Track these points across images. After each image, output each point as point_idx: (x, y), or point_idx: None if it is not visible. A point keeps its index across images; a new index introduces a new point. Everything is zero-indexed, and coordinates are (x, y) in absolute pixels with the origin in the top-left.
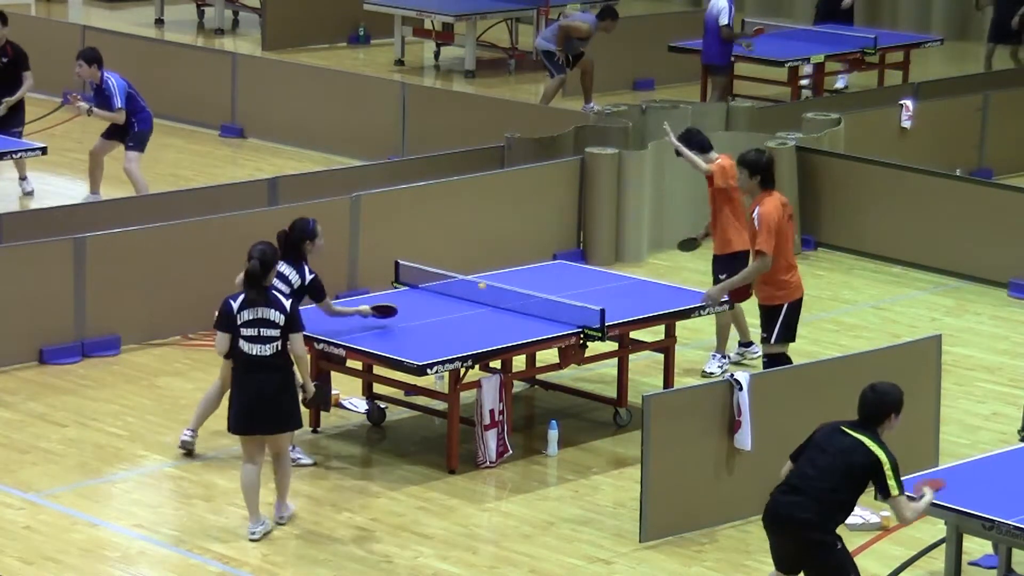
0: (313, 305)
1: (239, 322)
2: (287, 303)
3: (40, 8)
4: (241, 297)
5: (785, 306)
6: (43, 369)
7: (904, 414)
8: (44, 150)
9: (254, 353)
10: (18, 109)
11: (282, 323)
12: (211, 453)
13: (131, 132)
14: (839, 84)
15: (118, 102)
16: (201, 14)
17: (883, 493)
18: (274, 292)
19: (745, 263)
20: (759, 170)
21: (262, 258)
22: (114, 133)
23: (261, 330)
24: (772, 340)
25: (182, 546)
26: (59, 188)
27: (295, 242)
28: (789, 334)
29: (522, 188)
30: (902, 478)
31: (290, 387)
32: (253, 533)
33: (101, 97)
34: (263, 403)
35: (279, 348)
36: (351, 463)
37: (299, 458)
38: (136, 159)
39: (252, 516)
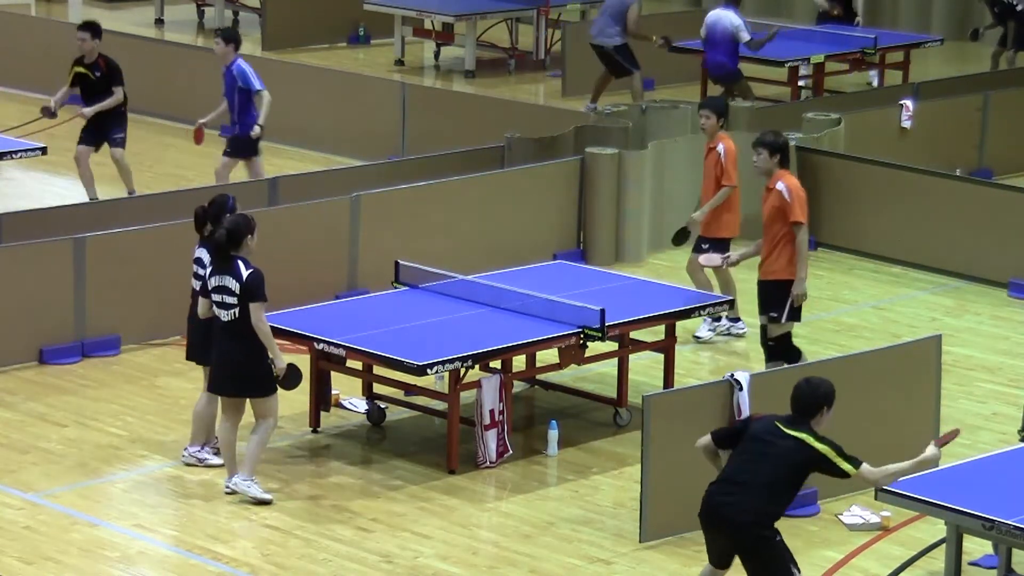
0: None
1: (209, 287)
2: (245, 273)
3: (40, 8)
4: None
5: (781, 292)
6: (43, 369)
7: (904, 414)
8: (44, 150)
9: (221, 319)
10: (113, 117)
11: (239, 291)
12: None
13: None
14: (874, 82)
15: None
16: (201, 14)
17: (844, 477)
18: (237, 261)
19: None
20: (778, 149)
21: (230, 227)
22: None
23: (224, 297)
24: (783, 319)
25: (182, 546)
26: (59, 188)
27: (212, 220)
28: (795, 313)
29: (522, 188)
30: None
31: (254, 355)
32: (226, 488)
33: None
34: (225, 366)
35: (236, 316)
36: (351, 463)
37: (206, 458)
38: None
39: (227, 471)
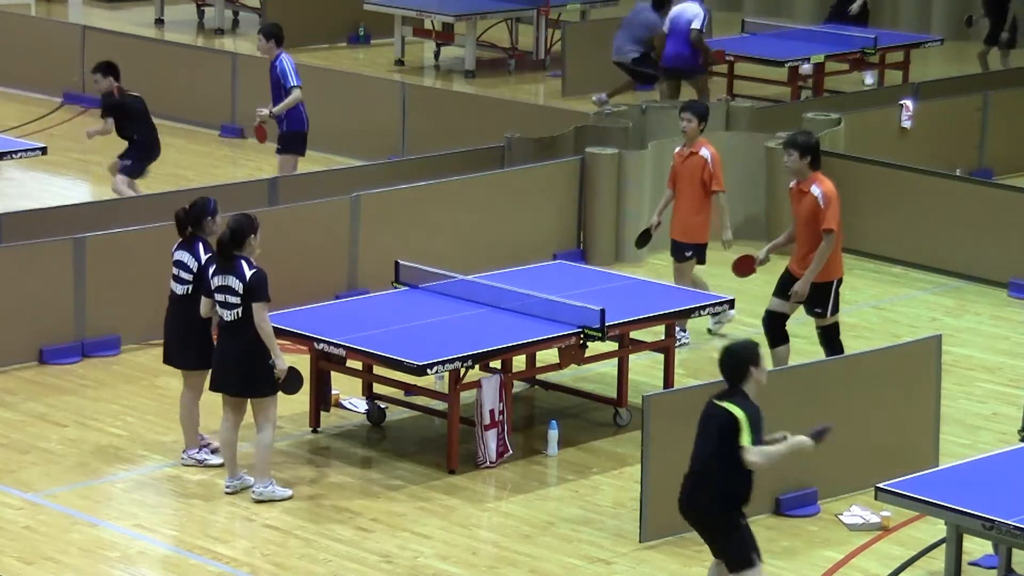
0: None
1: (212, 287)
2: (248, 272)
3: (40, 8)
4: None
5: (835, 281)
6: (43, 369)
7: (904, 414)
8: (44, 150)
9: (224, 318)
10: (127, 146)
11: (242, 291)
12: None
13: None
14: (868, 81)
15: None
16: (201, 14)
17: (739, 448)
18: (240, 261)
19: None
20: (810, 150)
21: (234, 226)
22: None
23: (227, 296)
24: (829, 313)
25: (182, 546)
26: (59, 188)
27: (194, 221)
28: (837, 306)
29: (522, 188)
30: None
31: (256, 355)
32: (226, 488)
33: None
34: (227, 365)
35: (239, 315)
36: (351, 463)
37: (206, 459)
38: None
39: (227, 471)
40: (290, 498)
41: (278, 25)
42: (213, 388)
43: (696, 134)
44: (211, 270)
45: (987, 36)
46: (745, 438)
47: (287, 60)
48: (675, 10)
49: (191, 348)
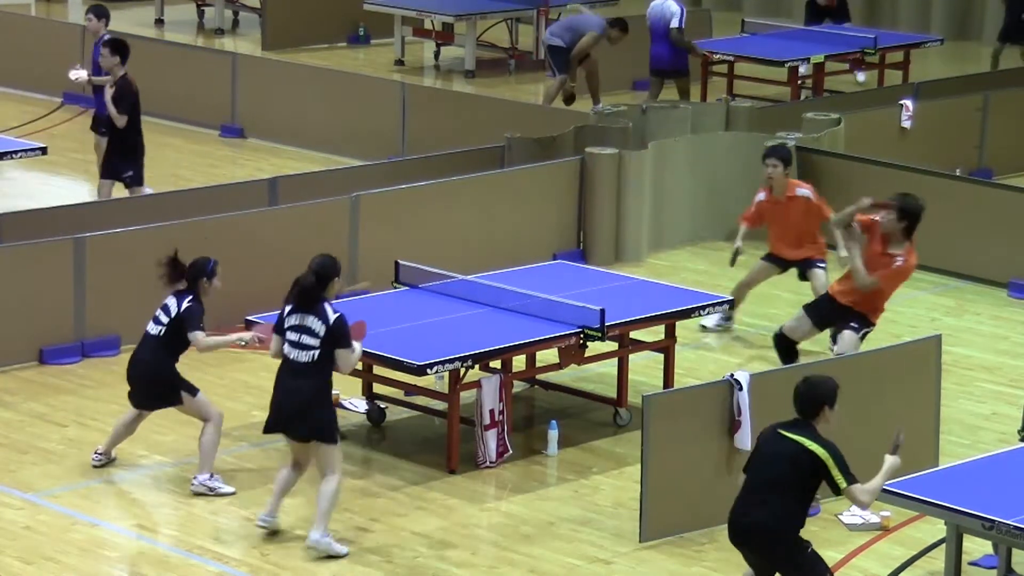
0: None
1: (285, 325)
2: (332, 316)
3: (40, 8)
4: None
5: (868, 319)
6: (43, 369)
7: (904, 414)
8: (44, 150)
9: (298, 359)
10: (121, 152)
11: (323, 334)
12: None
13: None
14: (860, 79)
15: None
16: (201, 14)
17: (833, 489)
18: (324, 304)
19: None
20: (908, 216)
21: (318, 270)
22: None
23: (303, 337)
24: (860, 331)
25: (182, 546)
26: (59, 188)
27: (191, 278)
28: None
29: (522, 188)
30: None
31: (326, 398)
32: (260, 522)
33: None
34: (295, 406)
35: (315, 358)
36: (351, 463)
37: (217, 487)
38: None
39: (268, 505)
40: (346, 555)
41: (104, 6)
42: (275, 429)
43: (784, 181)
44: (286, 308)
45: (1001, 33)
46: (840, 479)
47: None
48: (652, 8)
49: (155, 392)
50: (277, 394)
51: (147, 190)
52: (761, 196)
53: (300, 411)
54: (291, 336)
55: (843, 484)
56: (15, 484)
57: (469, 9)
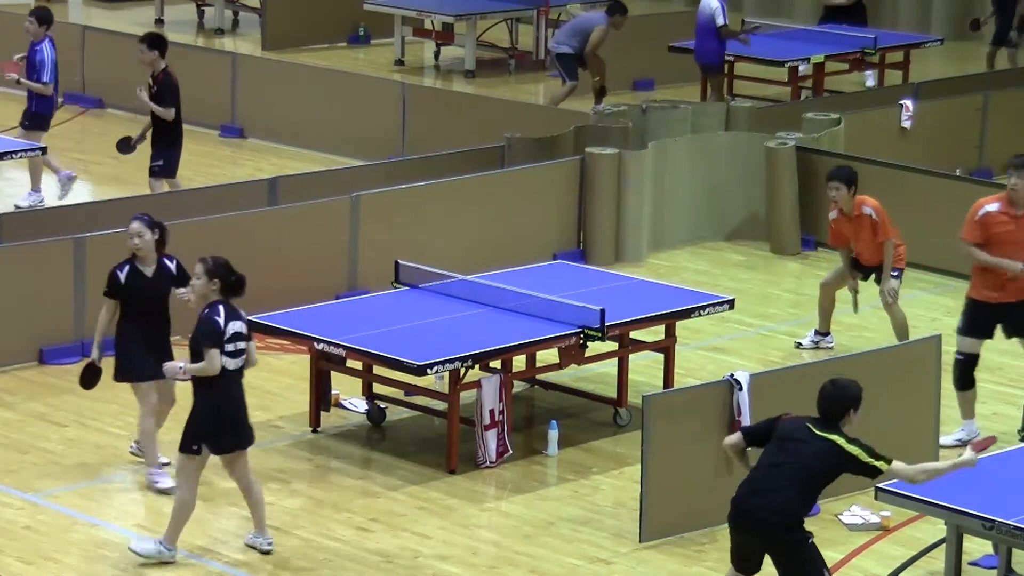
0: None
1: (226, 336)
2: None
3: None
4: (224, 312)
5: (969, 300)
6: (43, 369)
7: (904, 414)
8: (44, 150)
9: (231, 368)
10: (155, 143)
11: (245, 332)
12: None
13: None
14: (869, 83)
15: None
16: (201, 14)
17: (875, 476)
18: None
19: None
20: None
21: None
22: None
23: (237, 344)
24: (957, 332)
25: (182, 546)
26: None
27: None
28: (966, 328)
29: (522, 188)
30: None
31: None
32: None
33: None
34: (243, 418)
35: (243, 361)
36: (351, 463)
37: (158, 481)
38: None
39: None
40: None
41: (49, 10)
42: (236, 447)
43: (850, 200)
44: (220, 320)
45: (994, 36)
46: (879, 464)
47: (48, 51)
48: (701, 7)
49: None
50: (227, 408)
51: (179, 184)
52: (833, 214)
53: (246, 421)
54: (230, 347)
55: (884, 466)
56: (15, 484)
57: (469, 9)
